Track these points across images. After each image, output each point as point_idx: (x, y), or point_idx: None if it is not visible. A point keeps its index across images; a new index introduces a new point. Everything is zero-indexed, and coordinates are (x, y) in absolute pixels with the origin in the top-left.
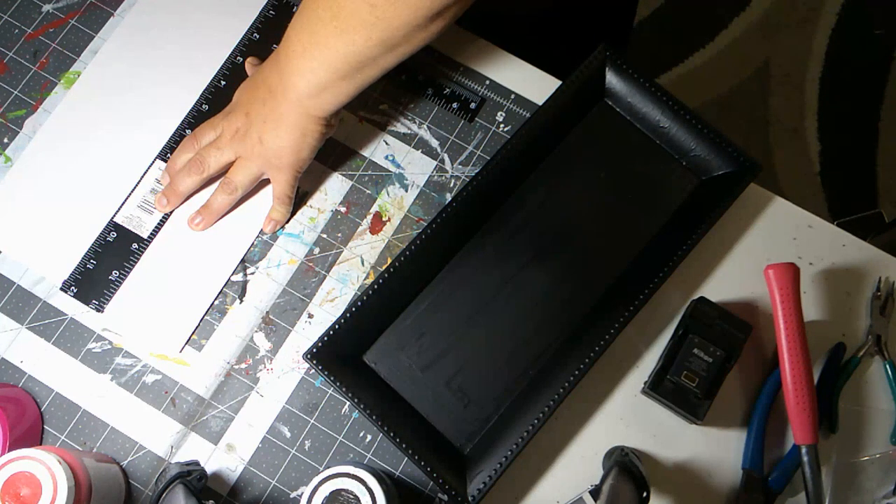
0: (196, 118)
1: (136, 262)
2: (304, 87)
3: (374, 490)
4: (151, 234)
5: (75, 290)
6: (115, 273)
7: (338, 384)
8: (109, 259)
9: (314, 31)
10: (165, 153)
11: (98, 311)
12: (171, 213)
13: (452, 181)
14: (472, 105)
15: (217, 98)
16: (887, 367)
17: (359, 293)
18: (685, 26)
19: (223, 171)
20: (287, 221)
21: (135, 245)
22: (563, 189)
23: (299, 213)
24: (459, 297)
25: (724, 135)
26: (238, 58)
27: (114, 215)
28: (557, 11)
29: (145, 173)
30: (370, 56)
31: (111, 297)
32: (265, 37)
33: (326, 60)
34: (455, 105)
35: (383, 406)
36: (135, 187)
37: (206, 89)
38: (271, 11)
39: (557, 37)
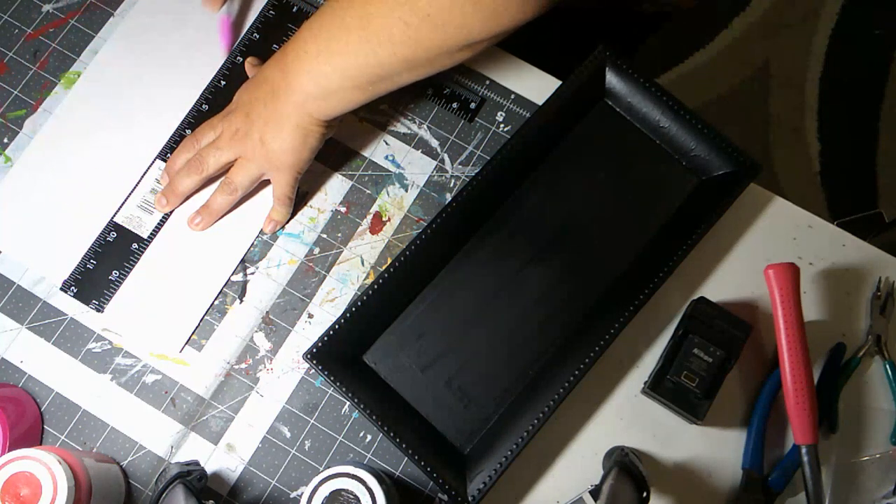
0: (196, 118)
1: (135, 263)
2: (312, 90)
3: (374, 490)
4: (151, 234)
5: (75, 290)
6: (115, 273)
7: (338, 384)
8: (109, 259)
9: (335, 37)
10: (165, 153)
11: (98, 311)
12: (171, 213)
13: (452, 181)
14: (472, 105)
15: (217, 98)
16: (887, 367)
17: (359, 293)
18: (685, 26)
19: (223, 172)
20: (287, 222)
21: (135, 245)
22: (562, 189)
23: (299, 213)
24: (459, 297)
25: (724, 135)
26: (238, 58)
27: (114, 215)
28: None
29: (145, 173)
30: (390, 72)
31: (111, 297)
32: (265, 37)
33: (342, 67)
34: (455, 105)
35: (383, 406)
36: (135, 187)
37: (205, 89)
38: (271, 11)
39: (557, 36)
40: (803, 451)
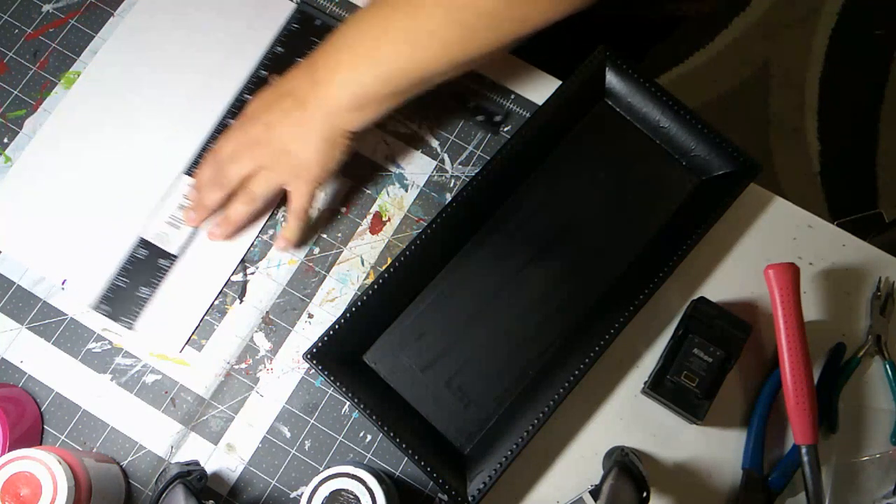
0: (220, 132)
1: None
2: (347, 100)
3: (374, 490)
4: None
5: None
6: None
7: (338, 384)
8: (133, 270)
9: (376, 46)
10: (191, 168)
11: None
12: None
13: (452, 181)
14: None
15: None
16: (887, 367)
17: (359, 293)
18: (685, 26)
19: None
20: (302, 244)
21: (151, 254)
22: (562, 189)
23: None
24: (459, 297)
25: (724, 135)
26: (262, 71)
27: (140, 230)
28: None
29: (170, 187)
30: (437, 74)
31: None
32: (289, 50)
33: (383, 76)
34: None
35: (383, 406)
36: (159, 201)
37: (230, 104)
38: (295, 25)
39: (563, 41)
40: (803, 451)
